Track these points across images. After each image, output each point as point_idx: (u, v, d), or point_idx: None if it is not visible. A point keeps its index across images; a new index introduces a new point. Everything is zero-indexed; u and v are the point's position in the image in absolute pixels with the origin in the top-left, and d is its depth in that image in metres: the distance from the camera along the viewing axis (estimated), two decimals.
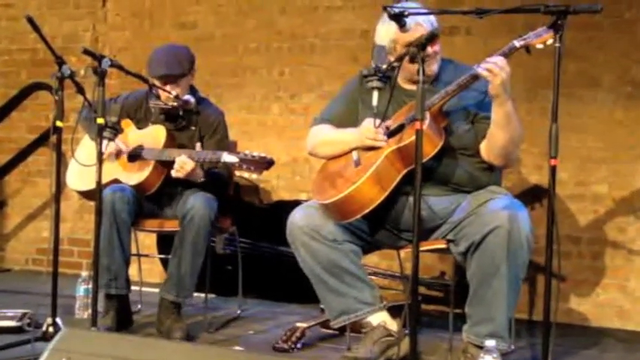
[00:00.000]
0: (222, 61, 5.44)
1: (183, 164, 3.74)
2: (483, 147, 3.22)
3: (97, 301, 3.30)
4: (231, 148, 4.09)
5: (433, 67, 3.25)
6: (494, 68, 2.94)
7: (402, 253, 3.64)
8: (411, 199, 3.18)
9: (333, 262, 3.27)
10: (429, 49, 3.06)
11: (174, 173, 3.78)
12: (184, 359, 2.25)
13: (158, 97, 4.00)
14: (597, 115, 4.50)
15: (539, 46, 2.89)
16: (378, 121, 3.07)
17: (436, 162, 3.19)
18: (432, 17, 3.26)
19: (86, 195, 4.10)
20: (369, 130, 3.19)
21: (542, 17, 2.77)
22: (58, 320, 3.53)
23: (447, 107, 3.22)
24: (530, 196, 4.51)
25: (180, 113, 4.04)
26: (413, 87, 3.26)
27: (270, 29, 5.34)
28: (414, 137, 2.97)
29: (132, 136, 4.04)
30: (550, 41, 2.82)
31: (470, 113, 3.26)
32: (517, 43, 2.95)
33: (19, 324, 3.76)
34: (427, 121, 2.97)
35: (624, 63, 4.45)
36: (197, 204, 3.77)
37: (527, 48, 2.93)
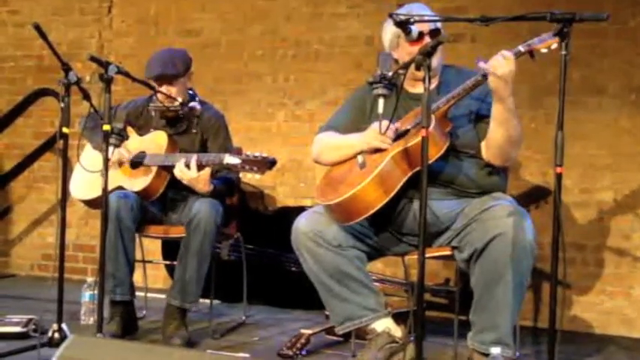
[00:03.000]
0: (227, 67, 5.46)
1: (181, 174, 3.77)
2: (483, 145, 3.22)
3: (103, 307, 3.31)
4: (236, 152, 4.10)
5: (435, 61, 3.09)
6: (498, 59, 2.95)
7: (407, 259, 3.64)
8: (415, 203, 3.20)
9: (338, 267, 3.28)
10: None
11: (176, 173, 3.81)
12: None
13: (161, 102, 4.01)
14: (602, 122, 4.51)
15: (544, 50, 2.90)
16: (384, 125, 3.07)
17: (440, 164, 3.19)
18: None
19: (90, 204, 4.11)
20: (374, 132, 3.21)
21: (547, 25, 2.77)
22: (64, 326, 3.54)
23: (451, 112, 3.22)
24: (535, 202, 4.51)
25: (181, 116, 4.05)
26: (417, 89, 3.28)
27: (275, 36, 5.35)
28: (419, 139, 2.99)
29: (133, 142, 4.05)
30: (554, 46, 2.83)
31: (472, 114, 3.27)
32: (522, 48, 2.96)
33: (24, 330, 3.76)
34: (432, 123, 2.99)
35: (629, 70, 4.45)
36: (203, 209, 3.77)
37: (532, 53, 2.94)
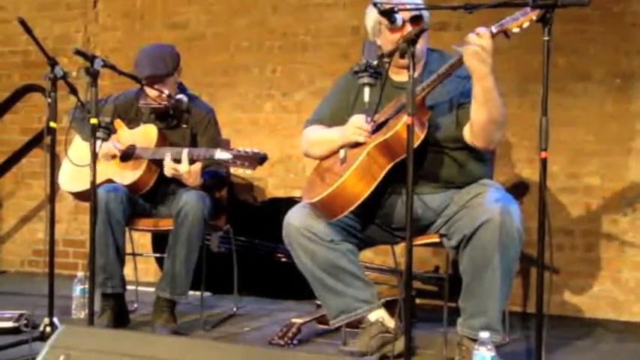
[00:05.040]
0: (213, 60, 5.46)
1: (170, 168, 3.78)
2: (466, 129, 3.16)
3: (94, 300, 3.31)
4: (224, 145, 4.11)
5: (418, 47, 2.97)
6: (471, 37, 2.91)
7: (397, 248, 3.65)
8: (404, 195, 3.19)
9: (332, 262, 3.27)
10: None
11: (166, 170, 3.80)
12: (182, 354, 2.26)
13: (153, 100, 4.00)
14: (588, 108, 4.53)
15: (516, 30, 2.87)
16: (369, 118, 3.08)
17: (424, 159, 3.18)
18: None
19: (79, 196, 4.11)
20: (352, 125, 3.20)
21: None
22: (55, 320, 3.54)
23: (431, 101, 3.20)
24: (523, 189, 4.54)
25: (171, 112, 4.05)
26: (402, 77, 3.25)
27: (262, 28, 5.35)
28: (396, 129, 3.01)
29: (123, 136, 4.05)
30: (526, 24, 2.81)
31: (453, 100, 3.23)
32: (494, 29, 2.90)
33: (16, 325, 3.77)
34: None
35: (614, 56, 4.47)
36: (190, 201, 3.78)
37: (506, 32, 2.90)
